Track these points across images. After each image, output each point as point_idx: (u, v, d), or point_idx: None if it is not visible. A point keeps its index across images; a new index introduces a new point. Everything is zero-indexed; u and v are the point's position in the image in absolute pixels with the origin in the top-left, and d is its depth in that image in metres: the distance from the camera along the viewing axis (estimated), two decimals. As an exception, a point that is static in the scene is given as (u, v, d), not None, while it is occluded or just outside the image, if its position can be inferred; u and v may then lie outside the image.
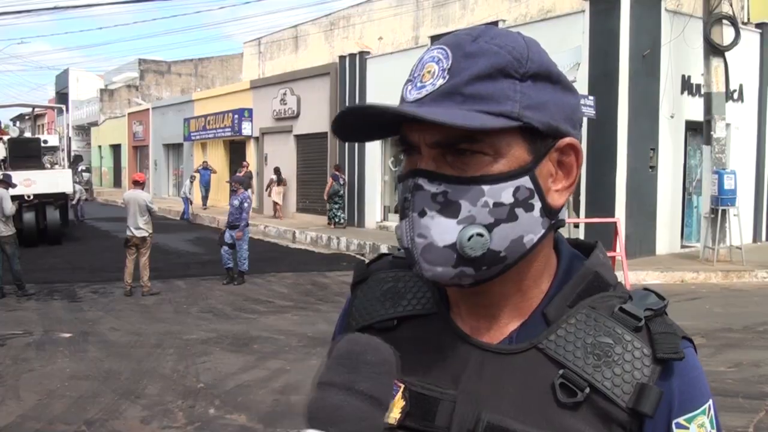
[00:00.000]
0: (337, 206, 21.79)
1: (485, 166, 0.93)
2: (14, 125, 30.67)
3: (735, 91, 16.29)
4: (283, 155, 25.47)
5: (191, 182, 28.39)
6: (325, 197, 21.98)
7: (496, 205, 0.93)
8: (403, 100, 0.99)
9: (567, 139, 0.98)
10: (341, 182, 21.81)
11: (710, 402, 0.99)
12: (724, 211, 14.34)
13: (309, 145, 24.59)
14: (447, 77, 0.94)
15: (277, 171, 24.89)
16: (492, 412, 0.95)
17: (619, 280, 1.06)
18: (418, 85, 0.96)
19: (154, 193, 31.47)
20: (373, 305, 1.12)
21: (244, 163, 25.30)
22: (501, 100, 0.92)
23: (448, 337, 1.04)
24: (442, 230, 0.94)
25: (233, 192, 13.73)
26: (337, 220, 21.71)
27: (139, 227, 12.30)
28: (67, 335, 9.48)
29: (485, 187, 0.93)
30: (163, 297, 12.23)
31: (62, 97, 55.88)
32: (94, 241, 20.46)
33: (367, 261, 1.21)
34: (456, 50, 0.95)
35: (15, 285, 12.24)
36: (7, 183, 13.07)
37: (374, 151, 21.20)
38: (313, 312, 10.98)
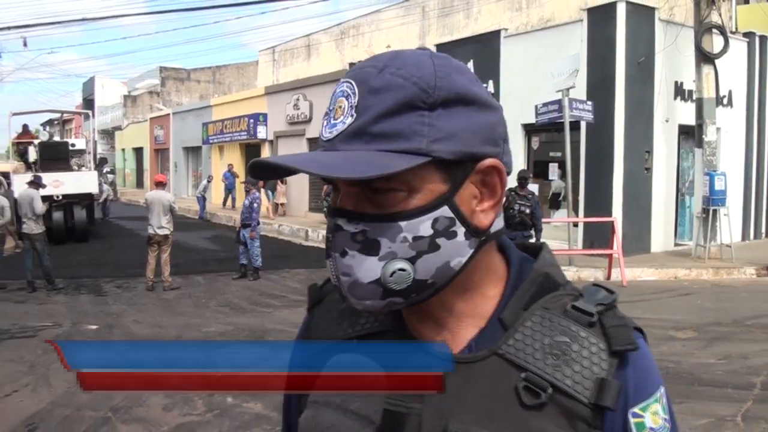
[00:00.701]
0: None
1: (401, 202, 0.90)
2: (44, 130, 30.75)
3: (724, 96, 16.26)
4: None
5: (208, 182, 28.46)
6: (323, 195, 22.28)
7: (416, 239, 0.90)
8: (321, 137, 0.95)
9: (487, 161, 0.93)
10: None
11: (662, 389, 0.96)
12: (714, 211, 14.32)
13: (322, 148, 24.63)
14: (354, 115, 0.90)
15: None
16: (458, 422, 0.91)
17: (569, 280, 1.03)
18: (331, 122, 0.93)
19: (175, 194, 31.47)
20: (331, 326, 1.08)
21: None
22: (409, 137, 0.88)
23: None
24: (365, 268, 0.91)
25: (247, 192, 13.76)
26: None
27: (162, 226, 12.35)
28: (94, 327, 9.53)
29: (402, 223, 0.89)
30: (183, 292, 12.27)
31: (88, 103, 56.00)
32: (118, 239, 20.52)
33: (320, 283, 1.18)
34: (362, 86, 0.90)
35: (45, 280, 12.30)
36: (38, 184, 13.14)
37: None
38: (325, 306, 11.00)
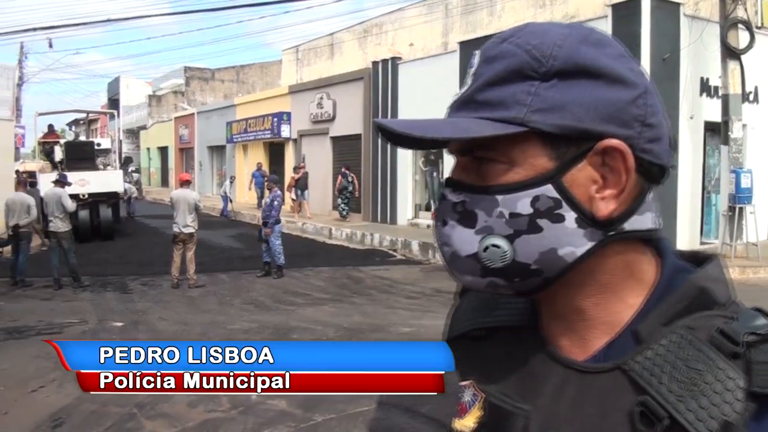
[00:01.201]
0: (345, 201, 22.65)
1: (500, 174, 0.85)
2: (70, 129, 31.10)
3: (750, 92, 16.05)
4: (320, 156, 25.54)
5: (231, 182, 28.64)
6: (336, 192, 22.98)
7: (513, 215, 0.84)
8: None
9: (607, 141, 0.83)
10: (349, 179, 22.44)
11: None
12: (741, 209, 14.16)
13: (344, 146, 24.63)
14: (470, 83, 0.88)
15: (296, 170, 25.36)
16: None
17: (736, 300, 0.87)
18: (458, 91, 0.90)
19: (200, 192, 31.65)
20: (468, 314, 1.04)
21: (302, 164, 24.81)
22: (510, 105, 0.83)
23: (534, 350, 0.93)
24: (462, 240, 0.87)
25: (269, 190, 13.82)
26: (343, 212, 22.64)
27: (187, 224, 12.43)
28: (119, 324, 9.61)
29: (499, 197, 0.84)
30: (208, 289, 12.34)
31: (114, 102, 56.50)
32: (143, 237, 20.68)
33: None
34: (483, 54, 0.88)
35: (71, 277, 12.43)
36: (63, 183, 13.27)
37: (406, 151, 21.15)
38: (348, 304, 11.02)
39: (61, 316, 10.17)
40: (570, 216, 0.84)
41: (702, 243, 15.79)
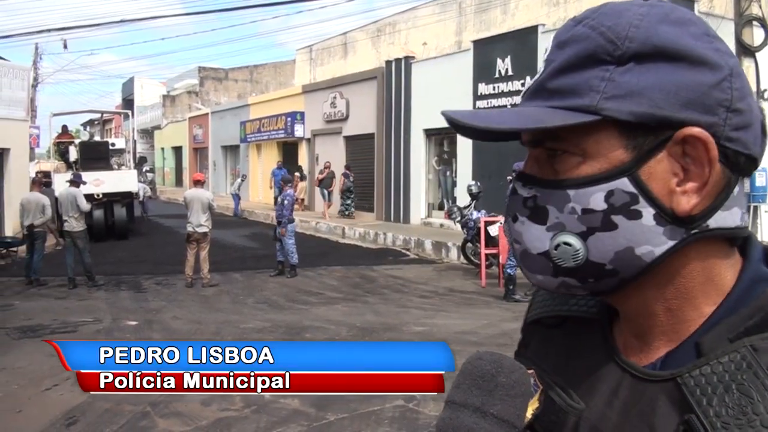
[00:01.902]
0: (348, 200, 22.87)
1: (573, 167, 0.79)
2: (85, 130, 31.29)
3: (765, 90, 15.93)
4: (333, 155, 25.56)
5: (242, 181, 28.76)
6: (339, 193, 23.16)
7: (585, 211, 0.78)
8: None
9: (688, 129, 0.76)
10: (351, 179, 22.70)
11: None
12: (755, 207, 14.07)
13: (357, 146, 24.64)
14: (542, 70, 0.83)
15: (299, 169, 25.86)
16: None
17: None
18: (532, 78, 0.86)
19: (213, 192, 31.72)
20: (546, 300, 1.00)
21: (327, 163, 24.48)
22: (582, 93, 0.78)
23: (599, 347, 0.89)
24: (533, 237, 0.82)
25: (281, 190, 13.88)
26: (347, 212, 22.90)
27: (201, 224, 12.46)
28: (133, 323, 9.65)
29: (570, 192, 0.79)
30: (222, 288, 12.37)
31: (128, 103, 56.70)
32: (157, 237, 20.77)
33: None
34: (555, 39, 0.83)
35: (86, 276, 12.50)
36: (78, 182, 13.34)
37: (419, 150, 21.18)
38: (361, 303, 11.02)
39: (75, 315, 10.22)
40: (648, 212, 0.77)
41: (717, 242, 15.71)
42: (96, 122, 63.04)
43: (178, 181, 49.05)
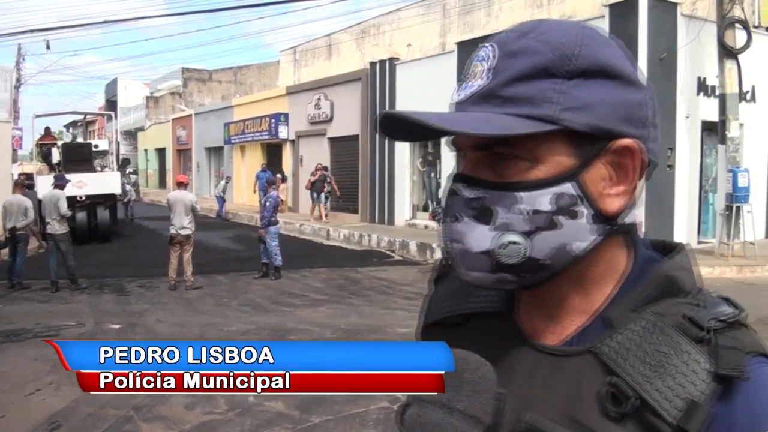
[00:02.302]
0: (324, 203, 23.00)
1: (522, 171, 0.86)
2: (68, 131, 31.12)
3: (748, 92, 16.08)
4: (318, 157, 25.54)
5: (226, 183, 28.70)
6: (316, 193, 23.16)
7: (534, 212, 0.85)
8: (451, 100, 0.93)
9: (622, 141, 0.86)
10: (328, 180, 22.58)
11: None
12: (738, 208, 14.17)
13: (342, 147, 24.63)
14: (489, 78, 0.87)
15: (281, 171, 26.08)
16: (536, 413, 0.87)
17: (702, 288, 0.93)
18: (464, 85, 0.90)
19: (197, 193, 31.65)
20: (445, 301, 1.06)
21: (318, 165, 23.55)
22: (539, 103, 0.84)
23: (509, 336, 0.96)
24: (477, 236, 0.87)
25: (264, 192, 13.86)
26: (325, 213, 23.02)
27: (184, 226, 12.41)
28: (117, 326, 9.61)
29: (521, 194, 0.85)
30: (205, 291, 12.34)
31: (111, 104, 56.41)
32: (141, 239, 20.67)
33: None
34: (501, 48, 0.88)
35: (68, 279, 12.42)
36: (62, 185, 13.25)
37: (403, 152, 21.20)
38: (346, 305, 11.02)
39: (58, 318, 10.16)
40: (585, 212, 0.87)
41: (699, 242, 15.82)
42: (79, 124, 62.51)
43: (162, 183, 48.87)
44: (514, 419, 0.88)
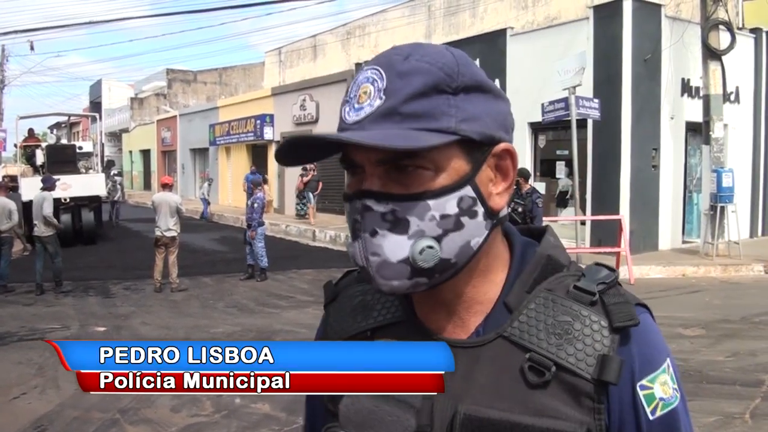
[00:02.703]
0: (302, 203, 23.61)
1: (428, 181, 0.93)
2: (51, 133, 30.94)
3: (732, 93, 16.20)
4: (303, 158, 25.51)
5: (209, 185, 28.69)
6: (297, 192, 23.79)
7: (443, 217, 0.93)
8: (342, 121, 0.99)
9: (502, 145, 0.99)
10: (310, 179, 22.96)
11: (668, 360, 0.99)
12: (722, 208, 14.27)
13: (327, 149, 24.55)
14: (384, 98, 0.93)
15: (253, 172, 26.39)
16: (468, 404, 0.95)
17: (573, 260, 1.06)
18: (356, 106, 0.96)
19: (182, 195, 31.57)
20: (346, 321, 1.11)
21: (312, 166, 23.03)
22: (438, 117, 0.93)
23: (419, 339, 1.02)
24: (395, 247, 0.93)
25: (250, 193, 13.82)
26: (301, 212, 23.75)
27: (169, 228, 12.38)
28: (102, 329, 9.56)
29: (430, 202, 0.93)
30: (191, 293, 12.30)
31: (95, 105, 56.10)
32: (126, 241, 20.58)
33: (334, 281, 1.21)
34: (389, 70, 0.94)
35: (54, 282, 12.35)
36: (50, 187, 13.17)
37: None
38: (332, 306, 11.00)
39: (43, 321, 10.11)
40: (480, 211, 0.97)
41: (684, 242, 15.92)
42: (63, 125, 61.90)
43: (147, 185, 48.65)
44: (450, 413, 0.95)
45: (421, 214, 0.93)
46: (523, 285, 1.01)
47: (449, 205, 0.94)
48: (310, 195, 22.90)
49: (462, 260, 0.96)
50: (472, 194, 0.95)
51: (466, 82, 0.95)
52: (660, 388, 0.96)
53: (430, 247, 0.93)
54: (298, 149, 1.00)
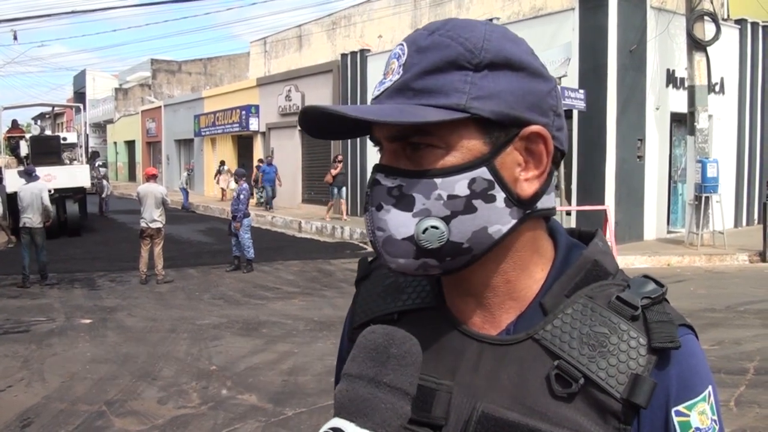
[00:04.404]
0: (263, 192, 24.34)
1: (438, 158, 0.90)
2: (35, 124, 30.73)
3: (716, 84, 16.29)
4: (289, 149, 25.46)
5: (188, 175, 28.72)
6: (254, 183, 24.16)
7: (451, 197, 0.89)
8: (371, 97, 0.97)
9: (532, 127, 0.92)
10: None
11: (710, 388, 0.92)
12: (707, 198, 14.34)
13: (313, 140, 24.30)
14: (401, 73, 0.92)
15: (222, 163, 28.05)
16: (487, 402, 0.91)
17: (620, 268, 1.00)
18: (382, 81, 0.95)
19: (167, 186, 31.43)
20: (375, 301, 1.09)
21: (339, 157, 21.00)
22: (449, 93, 0.89)
23: (446, 329, 1.00)
24: (399, 223, 0.91)
25: (236, 183, 13.78)
26: (264, 202, 24.37)
27: (155, 219, 12.34)
28: (88, 321, 9.52)
29: (438, 180, 0.89)
30: (177, 285, 12.27)
31: (80, 96, 55.80)
32: (111, 233, 20.49)
33: (369, 258, 1.18)
34: (411, 45, 0.93)
35: (39, 274, 12.29)
36: (30, 174, 13.09)
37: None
38: (318, 297, 11.01)
39: (29, 314, 10.06)
40: (500, 196, 0.91)
41: (669, 232, 16.02)
42: (47, 116, 61.66)
43: (131, 176, 48.48)
44: (468, 410, 0.92)
45: (427, 192, 0.90)
46: (562, 288, 0.96)
47: (459, 185, 0.89)
48: (335, 190, 20.71)
49: (479, 248, 0.92)
50: (488, 177, 0.90)
51: (491, 58, 0.90)
52: (697, 417, 0.90)
53: (434, 228, 0.89)
54: (320, 123, 0.96)
